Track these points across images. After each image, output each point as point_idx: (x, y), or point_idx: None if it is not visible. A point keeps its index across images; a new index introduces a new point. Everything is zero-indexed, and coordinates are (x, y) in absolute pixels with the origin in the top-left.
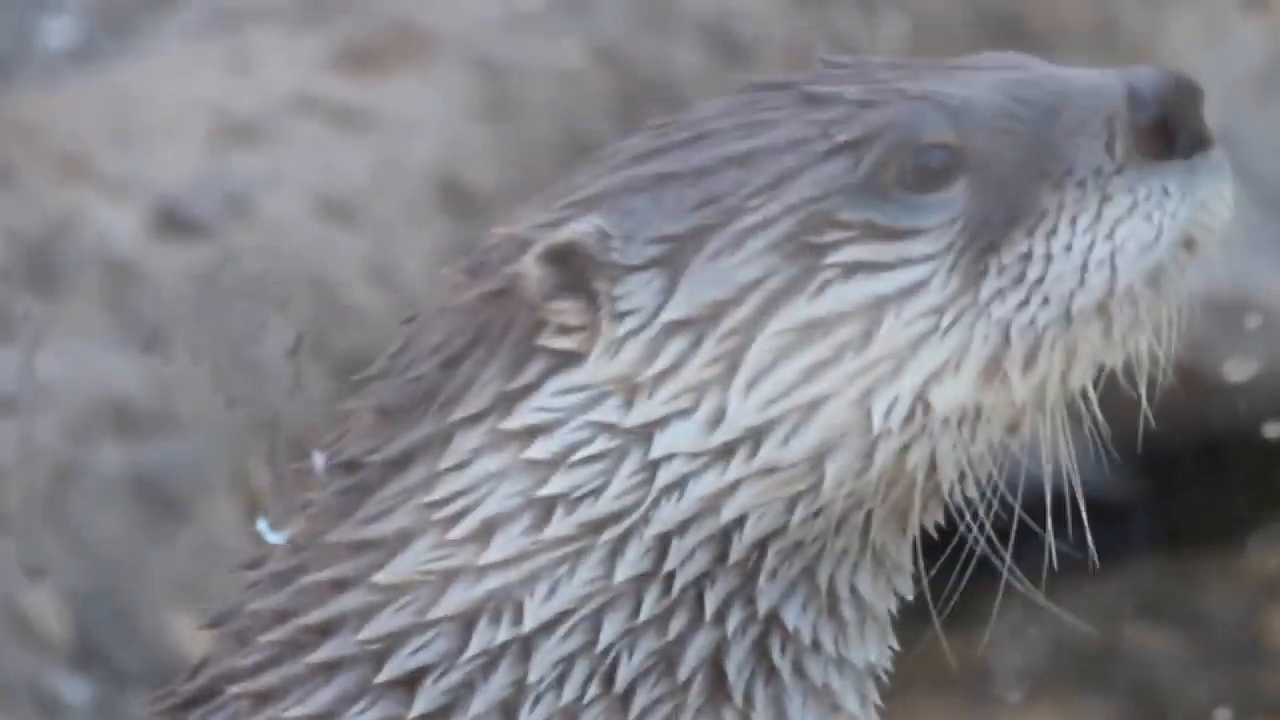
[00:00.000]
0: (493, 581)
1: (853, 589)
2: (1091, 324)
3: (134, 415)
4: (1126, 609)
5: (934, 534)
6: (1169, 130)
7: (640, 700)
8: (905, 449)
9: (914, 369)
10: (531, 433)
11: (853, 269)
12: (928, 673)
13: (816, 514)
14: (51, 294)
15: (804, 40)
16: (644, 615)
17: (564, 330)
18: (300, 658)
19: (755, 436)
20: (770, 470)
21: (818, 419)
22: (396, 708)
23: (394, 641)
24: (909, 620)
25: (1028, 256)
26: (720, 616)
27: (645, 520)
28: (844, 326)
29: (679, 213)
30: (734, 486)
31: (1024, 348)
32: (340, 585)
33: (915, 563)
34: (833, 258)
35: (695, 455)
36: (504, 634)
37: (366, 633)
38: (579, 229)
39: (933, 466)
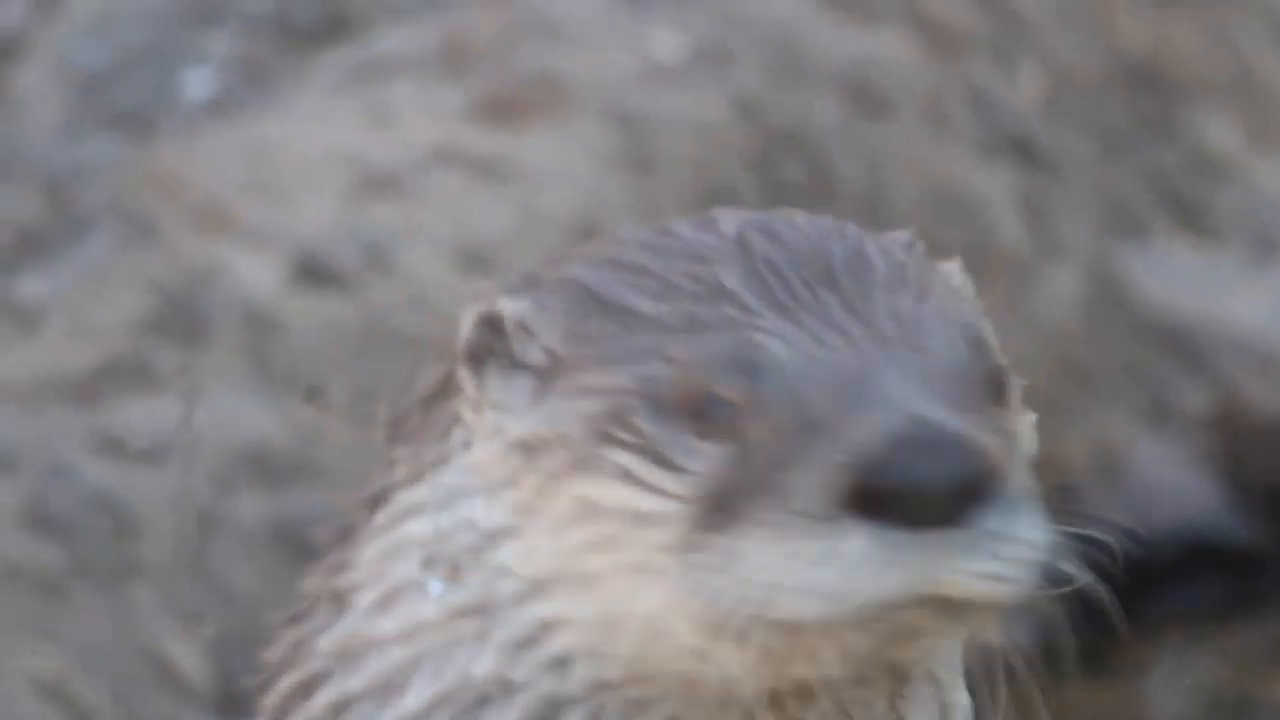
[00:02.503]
0: (396, 654)
1: None
2: (786, 636)
3: (275, 464)
4: (1263, 658)
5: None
6: (900, 499)
7: None
8: (656, 666)
9: (644, 596)
10: (424, 507)
11: (623, 474)
12: None
13: (640, 679)
14: (193, 344)
15: (942, 92)
16: None
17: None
18: None
19: (559, 582)
20: (570, 621)
21: (595, 594)
22: None
23: (334, 713)
24: (1053, 672)
25: (733, 553)
26: None
27: (495, 624)
28: (609, 525)
29: (569, 333)
30: (553, 624)
31: (734, 629)
32: (307, 643)
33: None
34: (613, 456)
35: (522, 579)
36: (399, 711)
37: (320, 699)
38: (512, 305)
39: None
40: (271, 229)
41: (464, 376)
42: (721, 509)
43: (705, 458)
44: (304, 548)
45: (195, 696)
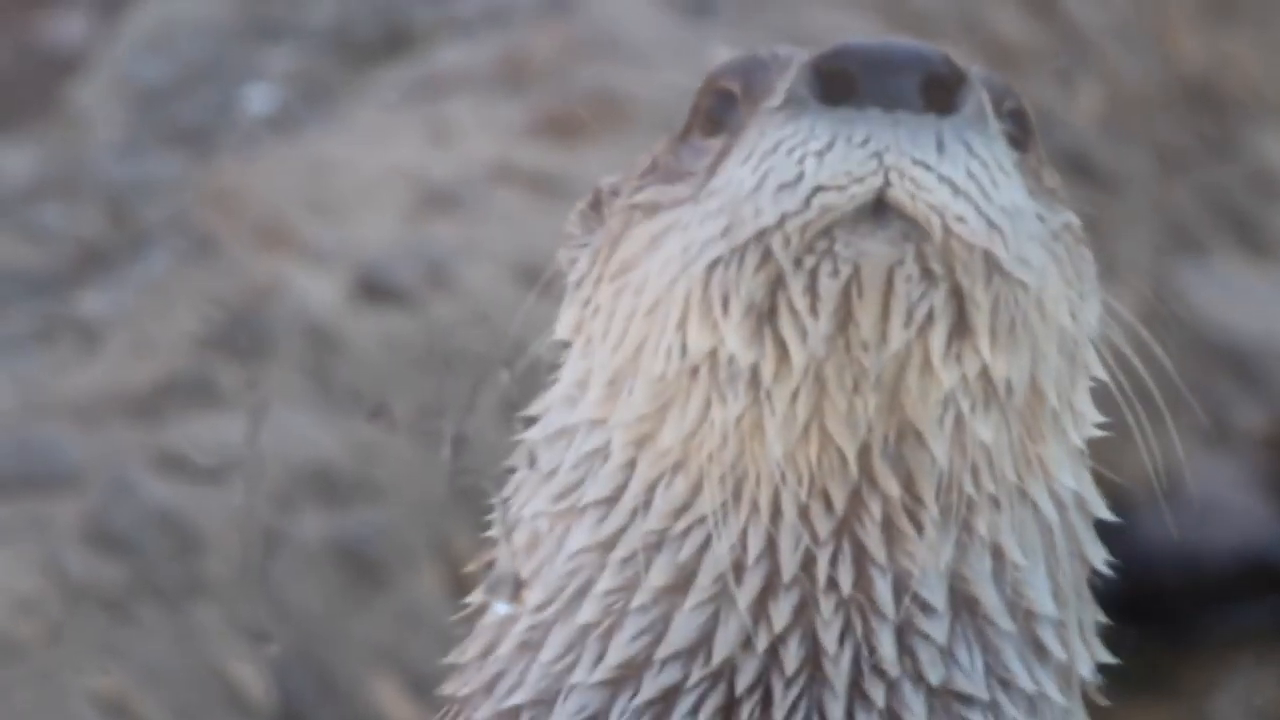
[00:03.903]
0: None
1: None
2: (759, 259)
3: (336, 482)
4: None
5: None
6: (850, 78)
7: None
8: (703, 405)
9: (675, 313)
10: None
11: (647, 208)
12: None
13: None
14: (255, 361)
15: None
16: (652, 584)
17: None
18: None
19: (619, 379)
20: (630, 428)
21: (642, 370)
22: None
23: (493, 681)
24: (1118, 692)
25: (714, 190)
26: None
27: (587, 484)
28: (640, 269)
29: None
30: (628, 443)
31: (718, 286)
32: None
33: (1122, 633)
34: (640, 198)
35: (603, 424)
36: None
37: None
38: (605, 181)
39: (748, 438)
40: (332, 246)
41: (562, 260)
42: (713, 171)
43: (709, 151)
44: (364, 565)
45: (258, 715)
